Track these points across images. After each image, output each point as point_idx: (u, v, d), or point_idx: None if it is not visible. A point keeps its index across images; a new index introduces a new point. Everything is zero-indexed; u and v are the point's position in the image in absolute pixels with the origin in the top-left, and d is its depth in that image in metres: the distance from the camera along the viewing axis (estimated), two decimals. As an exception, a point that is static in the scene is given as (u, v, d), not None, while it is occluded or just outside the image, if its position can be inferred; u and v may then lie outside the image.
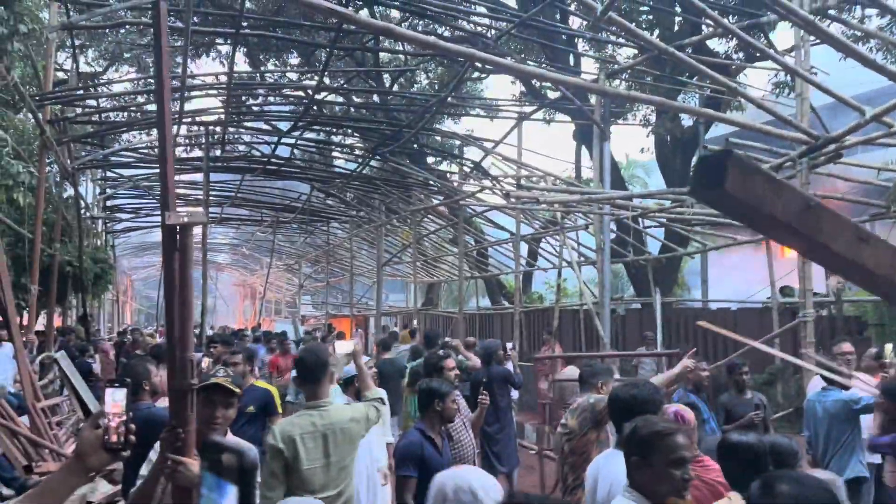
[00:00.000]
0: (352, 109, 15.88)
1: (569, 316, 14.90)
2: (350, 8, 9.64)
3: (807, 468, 4.52)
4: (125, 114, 14.29)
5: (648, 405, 3.18)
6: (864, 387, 5.22)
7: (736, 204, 1.39)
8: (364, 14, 11.95)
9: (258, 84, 13.61)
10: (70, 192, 12.31)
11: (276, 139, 13.30)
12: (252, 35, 12.27)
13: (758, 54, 10.55)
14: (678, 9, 11.60)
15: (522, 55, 14.32)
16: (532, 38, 11.75)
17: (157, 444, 2.74)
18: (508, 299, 19.76)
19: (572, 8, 11.82)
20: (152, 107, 13.62)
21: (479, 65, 10.92)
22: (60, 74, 14.15)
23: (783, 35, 13.19)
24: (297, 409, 5.29)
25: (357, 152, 15.11)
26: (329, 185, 16.73)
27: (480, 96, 17.35)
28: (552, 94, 14.10)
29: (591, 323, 10.76)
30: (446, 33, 13.14)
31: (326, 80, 11.10)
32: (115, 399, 1.74)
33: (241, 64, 15.74)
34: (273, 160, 14.14)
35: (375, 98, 15.54)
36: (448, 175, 17.10)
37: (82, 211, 13.11)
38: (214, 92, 11.18)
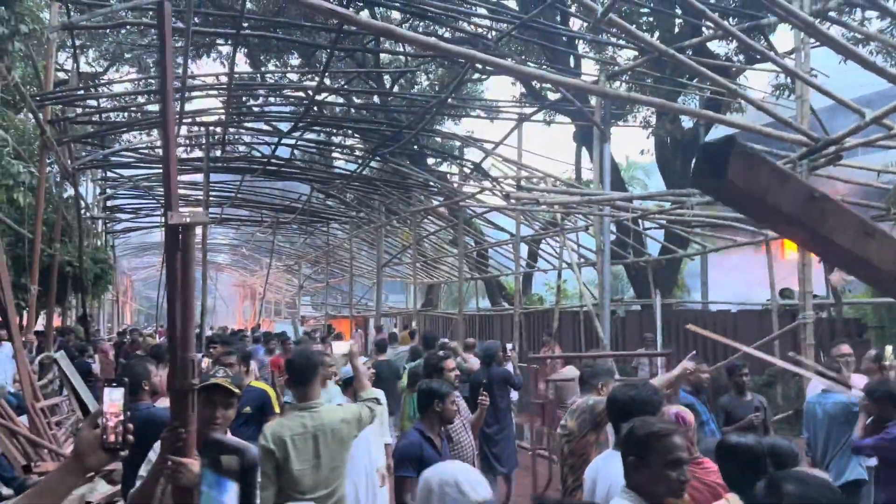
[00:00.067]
0: (352, 110, 15.88)
1: (569, 317, 14.90)
2: (351, 9, 9.64)
3: (806, 470, 4.51)
4: (125, 114, 14.30)
5: (647, 406, 3.18)
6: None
7: (738, 194, 1.36)
8: (365, 15, 11.96)
9: (258, 85, 13.62)
10: (70, 192, 12.31)
11: (276, 140, 13.30)
12: (253, 36, 12.28)
13: (758, 56, 10.56)
14: (678, 11, 11.60)
15: (523, 57, 14.32)
16: (532, 39, 11.77)
17: (157, 445, 2.74)
18: (508, 300, 19.76)
19: (573, 10, 11.82)
20: (152, 107, 13.65)
21: (479, 66, 10.93)
22: (61, 74, 14.16)
23: (783, 37, 13.22)
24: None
25: (357, 153, 15.12)
26: (329, 185, 16.74)
27: (481, 97, 17.36)
28: (552, 96, 14.11)
29: (590, 324, 10.76)
30: (447, 34, 13.16)
31: (327, 81, 11.10)
32: (113, 399, 1.73)
33: (242, 64, 15.78)
34: (273, 161, 14.14)
35: (376, 99, 15.54)
36: (448, 176, 17.11)
37: (82, 211, 13.11)
38: (215, 92, 11.18)
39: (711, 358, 10.14)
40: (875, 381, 5.24)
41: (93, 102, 12.64)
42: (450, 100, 11.23)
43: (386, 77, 15.30)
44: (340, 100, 15.79)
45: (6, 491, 5.70)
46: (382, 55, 15.67)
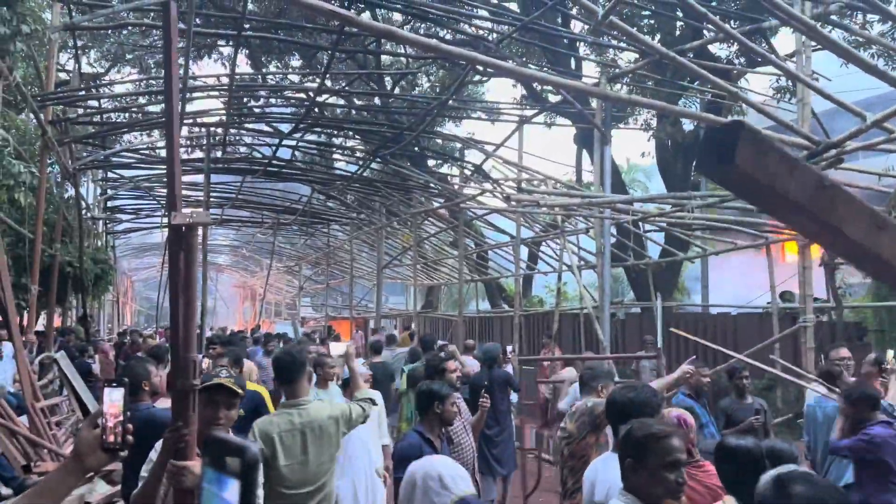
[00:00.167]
0: (353, 112, 15.89)
1: (569, 320, 14.90)
2: (352, 10, 9.65)
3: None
4: (126, 115, 14.31)
5: (645, 408, 3.18)
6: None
7: (746, 180, 1.29)
8: (366, 17, 11.99)
9: (260, 86, 13.63)
10: (71, 192, 12.32)
11: (277, 141, 13.31)
12: (254, 37, 12.29)
13: (759, 59, 10.57)
14: (679, 13, 11.61)
15: (524, 59, 14.33)
16: (533, 41, 11.79)
17: (158, 445, 2.74)
18: (508, 303, 19.76)
19: (574, 12, 11.83)
20: (153, 108, 13.67)
21: (480, 68, 10.93)
22: (62, 75, 14.17)
23: (784, 40, 13.20)
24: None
25: (358, 154, 15.13)
26: (330, 187, 16.74)
27: (481, 99, 17.38)
28: (553, 98, 14.12)
29: (590, 327, 10.75)
30: (448, 36, 13.15)
31: (328, 83, 11.11)
32: (112, 399, 1.73)
33: (243, 66, 15.79)
34: (274, 162, 14.14)
35: (377, 100, 15.55)
36: (449, 178, 17.11)
37: (83, 211, 13.12)
38: (216, 93, 11.20)
39: (712, 361, 10.14)
40: (853, 384, 5.25)
41: (94, 103, 12.65)
42: (451, 102, 11.24)
43: (387, 79, 15.32)
44: (341, 101, 15.80)
45: (6, 491, 5.70)
46: (383, 57, 15.69)
